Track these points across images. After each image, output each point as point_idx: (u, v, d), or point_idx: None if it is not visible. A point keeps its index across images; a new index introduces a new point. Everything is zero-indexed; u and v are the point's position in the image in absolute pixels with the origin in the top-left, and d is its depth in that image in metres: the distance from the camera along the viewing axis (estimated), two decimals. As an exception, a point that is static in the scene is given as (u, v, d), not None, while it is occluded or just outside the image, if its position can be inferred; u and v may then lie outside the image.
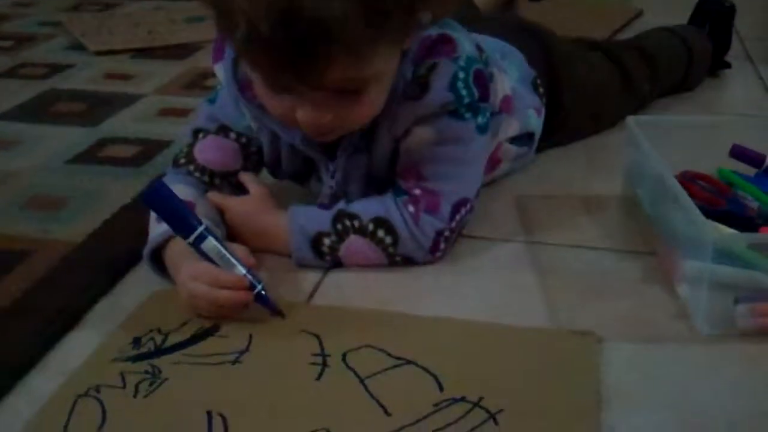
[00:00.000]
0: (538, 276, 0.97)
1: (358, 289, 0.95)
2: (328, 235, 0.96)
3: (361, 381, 0.79)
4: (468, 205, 1.00)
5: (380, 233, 0.96)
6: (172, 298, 0.91)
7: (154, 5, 2.27)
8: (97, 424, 0.74)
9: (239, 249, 0.90)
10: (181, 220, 0.87)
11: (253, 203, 1.01)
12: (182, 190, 0.98)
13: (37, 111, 1.52)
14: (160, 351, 0.84)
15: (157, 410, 0.76)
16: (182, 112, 1.50)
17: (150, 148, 1.33)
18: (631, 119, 1.09)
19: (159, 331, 0.87)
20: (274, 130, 1.01)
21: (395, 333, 0.86)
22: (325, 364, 0.82)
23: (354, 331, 0.86)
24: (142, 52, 1.87)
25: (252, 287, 0.87)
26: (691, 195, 0.92)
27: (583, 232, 1.07)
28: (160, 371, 0.81)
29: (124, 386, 0.79)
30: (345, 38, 0.79)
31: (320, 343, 0.85)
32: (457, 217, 0.98)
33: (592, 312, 0.91)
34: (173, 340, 0.86)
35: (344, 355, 0.83)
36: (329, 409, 0.76)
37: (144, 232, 0.96)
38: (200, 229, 0.86)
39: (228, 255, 0.87)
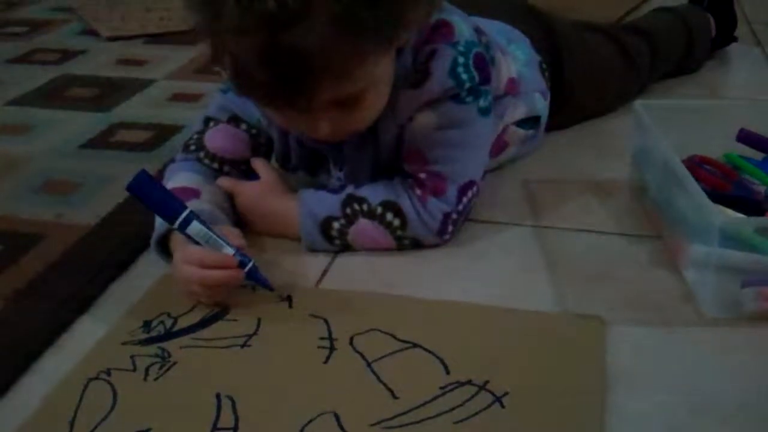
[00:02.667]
0: (546, 260, 0.98)
1: (366, 273, 0.95)
2: (337, 219, 0.97)
3: (368, 364, 0.80)
4: (474, 188, 1.00)
5: (389, 216, 0.96)
6: None
7: (166, -10, 2.28)
8: (107, 407, 0.75)
9: (228, 230, 0.91)
10: (165, 206, 0.88)
11: (264, 187, 1.02)
12: (190, 177, 1.00)
13: (51, 96, 1.53)
14: (169, 334, 0.85)
15: (167, 393, 0.77)
16: (194, 97, 1.50)
17: (162, 133, 1.34)
18: (638, 103, 1.09)
19: (169, 315, 0.88)
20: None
21: (402, 317, 0.87)
22: (332, 348, 0.83)
23: (361, 315, 0.87)
24: (155, 38, 1.88)
25: (242, 266, 0.87)
26: (698, 179, 0.92)
27: (591, 217, 1.07)
28: (169, 354, 0.82)
29: (135, 369, 0.80)
30: (328, 65, 0.81)
31: (328, 327, 0.85)
32: (464, 199, 0.99)
33: (599, 296, 0.91)
34: (183, 323, 0.87)
35: (351, 339, 0.84)
36: (337, 392, 0.77)
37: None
38: (184, 213, 0.86)
39: (215, 236, 0.87)
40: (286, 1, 0.76)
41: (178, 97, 1.52)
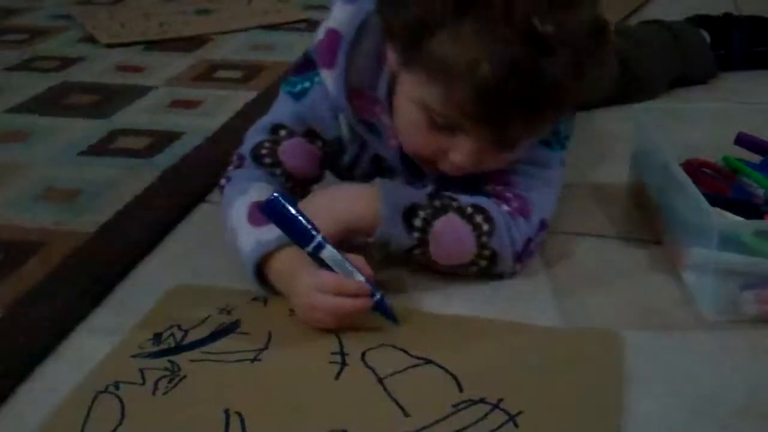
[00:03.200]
0: (546, 264, 0.98)
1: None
2: (423, 208, 0.91)
3: (380, 380, 0.79)
4: (545, 231, 0.97)
5: (478, 218, 0.91)
6: (192, 294, 0.92)
7: (164, -3, 2.28)
8: (115, 421, 0.74)
9: (356, 259, 0.88)
10: (301, 229, 0.86)
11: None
12: (268, 189, 0.95)
13: (50, 103, 1.53)
14: (179, 347, 0.84)
15: (175, 408, 0.76)
16: (193, 104, 1.51)
17: (161, 140, 1.34)
18: (637, 107, 1.09)
19: (179, 327, 0.87)
20: (368, 142, 0.99)
21: (414, 332, 0.86)
22: (344, 363, 0.81)
23: (373, 330, 0.86)
24: (153, 45, 1.88)
25: (372, 295, 0.86)
26: (697, 183, 0.92)
27: (590, 220, 1.07)
28: (179, 368, 0.81)
29: (144, 383, 0.79)
30: (561, 99, 0.83)
31: (339, 342, 0.84)
32: (541, 234, 0.96)
33: (599, 300, 0.91)
34: (193, 336, 0.86)
35: (363, 354, 0.82)
36: (347, 409, 0.75)
37: (156, 223, 0.97)
38: (318, 237, 0.85)
39: (347, 263, 0.86)
40: (547, 28, 0.78)
41: (177, 104, 1.52)
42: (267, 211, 0.86)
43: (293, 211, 0.86)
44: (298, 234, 0.86)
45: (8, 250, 1.02)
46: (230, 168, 1.01)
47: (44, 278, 0.96)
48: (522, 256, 0.94)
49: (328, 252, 0.85)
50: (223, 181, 1.00)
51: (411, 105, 0.88)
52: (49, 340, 0.86)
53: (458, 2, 0.80)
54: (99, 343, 0.85)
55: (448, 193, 0.93)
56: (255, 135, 1.01)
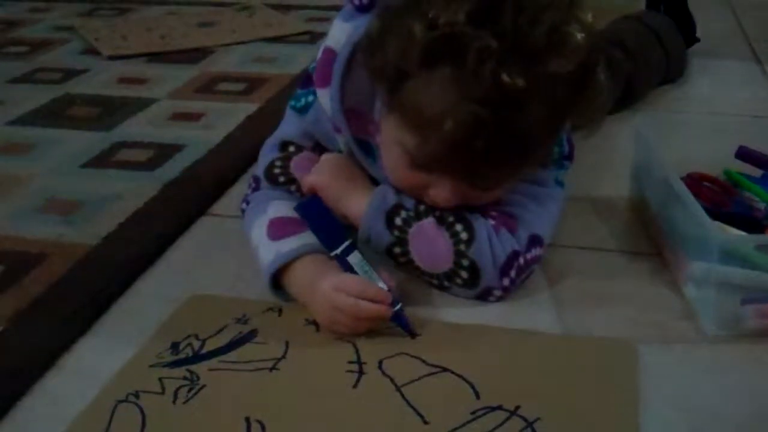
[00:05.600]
0: (547, 277, 0.98)
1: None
2: (407, 210, 0.93)
3: (398, 389, 0.79)
4: (540, 247, 0.95)
5: (458, 227, 0.91)
6: (208, 304, 0.92)
7: (167, 10, 2.28)
8: (137, 430, 0.74)
9: (383, 269, 0.90)
10: (333, 231, 0.90)
11: (345, 161, 0.99)
12: (286, 206, 0.97)
13: (52, 115, 1.53)
14: (197, 357, 0.84)
15: (196, 417, 0.76)
16: (195, 116, 1.51)
17: (163, 152, 1.34)
18: (638, 120, 1.09)
19: (196, 336, 0.87)
20: (361, 162, 0.99)
21: (429, 340, 0.86)
22: (361, 372, 0.82)
23: (389, 339, 0.86)
24: (156, 57, 1.88)
25: (393, 304, 0.86)
26: (698, 196, 0.92)
27: (591, 234, 1.07)
28: (198, 377, 0.81)
29: (163, 392, 0.79)
30: (536, 151, 0.84)
31: (356, 351, 0.85)
32: (532, 251, 0.94)
33: (599, 313, 0.91)
34: (210, 346, 0.86)
35: (380, 363, 0.83)
36: (366, 417, 0.76)
37: (157, 236, 0.97)
38: (348, 241, 0.88)
39: (372, 270, 0.88)
40: (516, 83, 0.76)
41: (179, 116, 1.52)
42: (303, 211, 0.91)
43: (328, 215, 0.91)
44: (330, 235, 0.89)
45: (10, 262, 1.03)
46: (248, 191, 1.03)
47: (46, 290, 0.96)
48: (508, 270, 0.92)
49: (357, 257, 0.88)
50: (243, 205, 1.03)
51: (392, 143, 0.89)
52: (51, 352, 0.86)
53: (426, 54, 0.79)
54: (101, 355, 0.86)
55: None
56: (266, 154, 1.04)
